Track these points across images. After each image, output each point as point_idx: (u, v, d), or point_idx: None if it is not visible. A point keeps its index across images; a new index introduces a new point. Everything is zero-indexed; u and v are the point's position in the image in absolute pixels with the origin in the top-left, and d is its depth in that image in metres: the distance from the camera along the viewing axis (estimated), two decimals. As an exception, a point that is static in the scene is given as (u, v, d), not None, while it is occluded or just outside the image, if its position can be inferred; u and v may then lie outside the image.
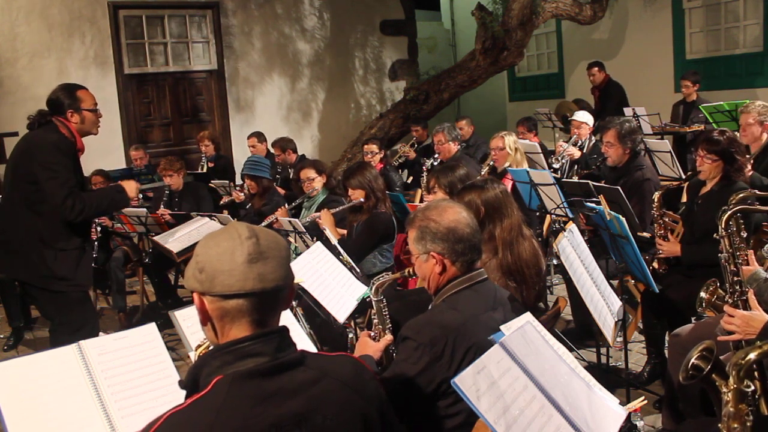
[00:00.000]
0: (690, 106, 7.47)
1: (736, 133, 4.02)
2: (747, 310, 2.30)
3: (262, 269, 1.35)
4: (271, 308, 1.40)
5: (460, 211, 2.15)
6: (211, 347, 1.44)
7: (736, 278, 2.37)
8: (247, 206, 5.57)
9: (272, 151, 7.29)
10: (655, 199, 3.74)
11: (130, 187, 3.59)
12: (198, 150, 8.16)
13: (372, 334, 2.42)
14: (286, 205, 4.90)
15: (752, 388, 1.53)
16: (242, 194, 5.78)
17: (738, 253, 2.43)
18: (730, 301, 2.35)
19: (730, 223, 2.40)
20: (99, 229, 5.14)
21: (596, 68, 8.43)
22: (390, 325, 2.43)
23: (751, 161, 4.21)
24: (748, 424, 1.50)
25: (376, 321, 2.45)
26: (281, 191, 6.05)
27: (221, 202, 6.13)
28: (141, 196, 6.03)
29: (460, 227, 2.10)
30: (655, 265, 3.69)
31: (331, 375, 1.42)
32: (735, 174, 3.43)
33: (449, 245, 2.10)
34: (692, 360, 1.75)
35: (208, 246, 1.39)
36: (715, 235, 2.42)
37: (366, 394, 1.46)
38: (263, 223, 4.83)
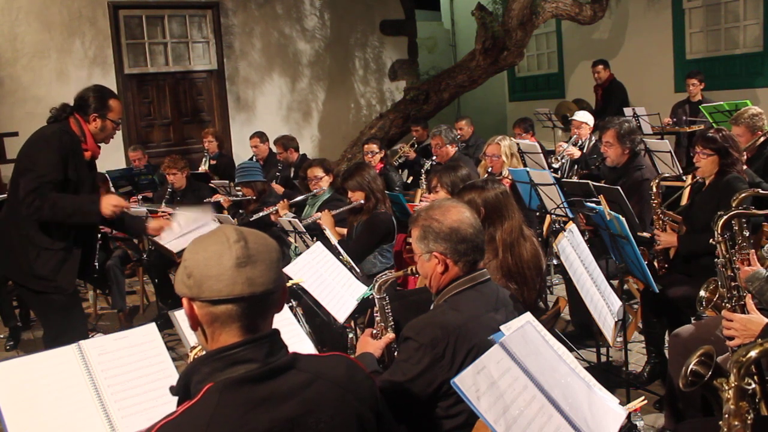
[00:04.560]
0: (695, 106, 7.47)
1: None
2: (745, 314, 2.30)
3: (250, 273, 1.32)
4: (261, 313, 1.37)
5: (464, 211, 2.15)
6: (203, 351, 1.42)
7: (733, 283, 2.37)
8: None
9: (274, 150, 7.28)
10: (653, 189, 3.78)
11: (107, 201, 3.29)
12: (198, 150, 8.18)
13: (374, 331, 2.42)
14: (286, 200, 4.88)
15: (753, 386, 1.52)
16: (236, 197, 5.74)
17: (734, 258, 2.42)
18: (729, 306, 2.36)
19: (732, 223, 2.40)
20: (100, 234, 5.12)
21: (601, 66, 8.43)
22: (392, 323, 2.43)
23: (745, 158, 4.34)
24: (749, 422, 1.50)
25: (378, 318, 2.45)
26: (280, 189, 6.03)
27: (224, 205, 6.08)
28: (141, 197, 6.04)
29: (463, 227, 2.10)
30: (656, 264, 3.70)
31: (324, 377, 1.40)
32: (729, 168, 3.53)
33: (452, 245, 2.09)
34: (691, 366, 1.75)
35: (196, 250, 1.36)
36: (711, 241, 2.42)
37: (360, 395, 1.44)
38: (261, 213, 4.83)
